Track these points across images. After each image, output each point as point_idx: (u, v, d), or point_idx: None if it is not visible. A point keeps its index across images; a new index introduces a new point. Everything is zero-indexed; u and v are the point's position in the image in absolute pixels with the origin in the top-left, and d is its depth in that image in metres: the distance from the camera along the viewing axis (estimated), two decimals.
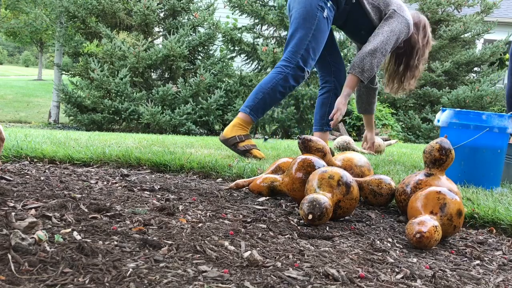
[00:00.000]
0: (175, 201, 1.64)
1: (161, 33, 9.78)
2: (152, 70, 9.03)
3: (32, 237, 1.06)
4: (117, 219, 1.35)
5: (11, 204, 1.38)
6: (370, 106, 3.29)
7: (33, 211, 1.32)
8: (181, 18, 9.41)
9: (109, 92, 8.31)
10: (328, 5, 2.68)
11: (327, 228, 1.51)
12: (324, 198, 1.50)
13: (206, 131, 8.77)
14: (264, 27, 8.80)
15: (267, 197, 1.87)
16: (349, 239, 1.41)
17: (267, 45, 7.79)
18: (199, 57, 9.25)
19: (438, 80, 9.29)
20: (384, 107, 8.88)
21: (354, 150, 3.61)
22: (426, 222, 1.39)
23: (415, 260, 1.28)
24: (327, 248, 1.28)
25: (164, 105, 8.19)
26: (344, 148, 3.60)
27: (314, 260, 1.16)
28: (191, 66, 8.98)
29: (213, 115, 8.17)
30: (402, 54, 3.03)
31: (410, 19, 2.87)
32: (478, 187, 2.26)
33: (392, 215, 1.81)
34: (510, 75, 3.06)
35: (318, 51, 2.73)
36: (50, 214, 1.30)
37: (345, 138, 3.69)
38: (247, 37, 8.87)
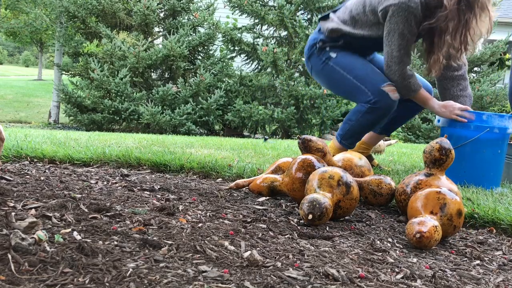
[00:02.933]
0: (175, 201, 1.64)
1: (161, 33, 9.78)
2: (152, 70, 9.03)
3: (32, 237, 1.06)
4: (117, 219, 1.35)
5: (11, 204, 1.38)
6: (458, 100, 2.42)
7: (33, 211, 1.32)
8: (181, 18, 9.41)
9: (109, 92, 8.31)
10: (328, 52, 2.46)
11: (327, 228, 1.51)
12: (324, 198, 1.50)
13: (206, 131, 8.76)
14: (264, 27, 8.80)
15: (267, 197, 1.87)
16: (349, 239, 1.41)
17: (267, 45, 7.79)
18: (199, 57, 9.25)
19: None
20: None
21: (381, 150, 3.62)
22: (426, 222, 1.39)
23: (415, 260, 1.28)
24: (327, 248, 1.28)
25: (164, 105, 8.19)
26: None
27: (314, 260, 1.16)
28: (191, 66, 8.98)
29: (213, 115, 8.17)
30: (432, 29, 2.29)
31: None
32: (478, 187, 2.26)
33: (392, 215, 1.81)
34: None
35: (361, 74, 2.37)
36: (50, 214, 1.30)
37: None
38: (247, 37, 8.87)
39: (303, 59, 8.52)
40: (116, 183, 1.90)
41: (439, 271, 1.21)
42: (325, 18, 2.52)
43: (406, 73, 2.30)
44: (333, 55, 2.45)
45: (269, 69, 8.47)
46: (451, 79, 2.45)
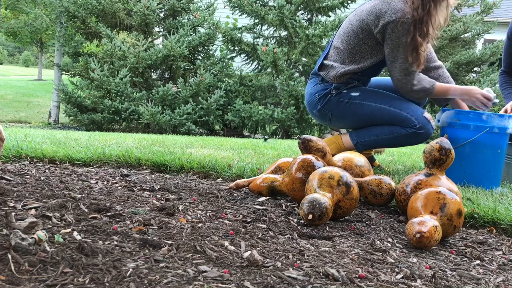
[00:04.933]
0: (175, 201, 1.64)
1: (161, 33, 9.77)
2: (152, 70, 9.03)
3: (32, 237, 1.06)
4: (117, 219, 1.35)
5: (11, 204, 1.38)
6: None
7: (33, 211, 1.32)
8: (181, 18, 9.41)
9: (109, 92, 8.30)
10: (348, 93, 2.39)
11: (327, 228, 1.51)
12: (324, 198, 1.50)
13: (206, 131, 8.76)
14: (264, 27, 8.80)
15: (267, 197, 1.87)
16: (349, 239, 1.41)
17: (267, 45, 7.78)
18: (199, 57, 9.24)
19: None
20: None
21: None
22: (426, 222, 1.39)
23: (415, 260, 1.28)
24: (327, 248, 1.28)
25: (164, 105, 8.19)
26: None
27: (314, 260, 1.16)
28: (191, 66, 8.97)
29: (213, 115, 8.17)
30: None
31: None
32: (478, 187, 2.26)
33: (392, 215, 1.81)
34: (505, 59, 3.02)
35: (398, 103, 2.33)
36: (50, 214, 1.30)
37: None
38: (247, 37, 8.87)
39: (303, 59, 8.53)
40: (116, 183, 1.90)
41: (439, 271, 1.21)
42: (321, 68, 2.44)
43: (419, 77, 2.29)
44: (355, 94, 2.38)
45: (269, 69, 8.46)
46: (426, 70, 2.45)
